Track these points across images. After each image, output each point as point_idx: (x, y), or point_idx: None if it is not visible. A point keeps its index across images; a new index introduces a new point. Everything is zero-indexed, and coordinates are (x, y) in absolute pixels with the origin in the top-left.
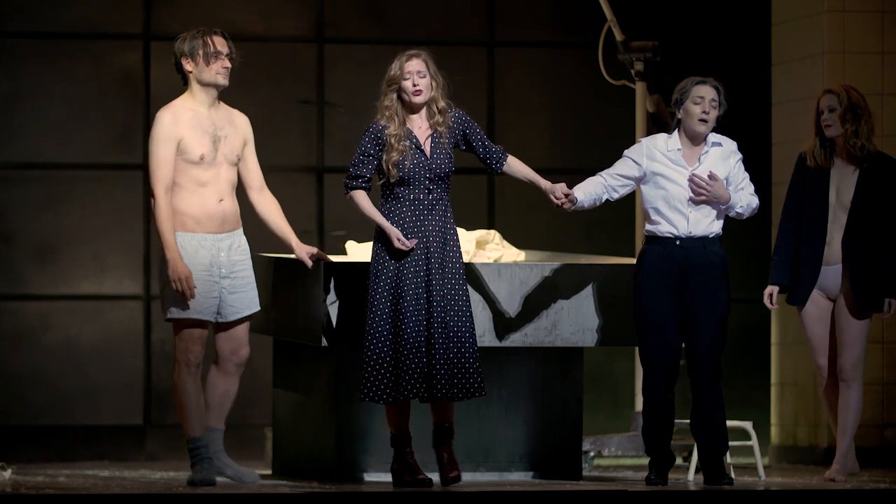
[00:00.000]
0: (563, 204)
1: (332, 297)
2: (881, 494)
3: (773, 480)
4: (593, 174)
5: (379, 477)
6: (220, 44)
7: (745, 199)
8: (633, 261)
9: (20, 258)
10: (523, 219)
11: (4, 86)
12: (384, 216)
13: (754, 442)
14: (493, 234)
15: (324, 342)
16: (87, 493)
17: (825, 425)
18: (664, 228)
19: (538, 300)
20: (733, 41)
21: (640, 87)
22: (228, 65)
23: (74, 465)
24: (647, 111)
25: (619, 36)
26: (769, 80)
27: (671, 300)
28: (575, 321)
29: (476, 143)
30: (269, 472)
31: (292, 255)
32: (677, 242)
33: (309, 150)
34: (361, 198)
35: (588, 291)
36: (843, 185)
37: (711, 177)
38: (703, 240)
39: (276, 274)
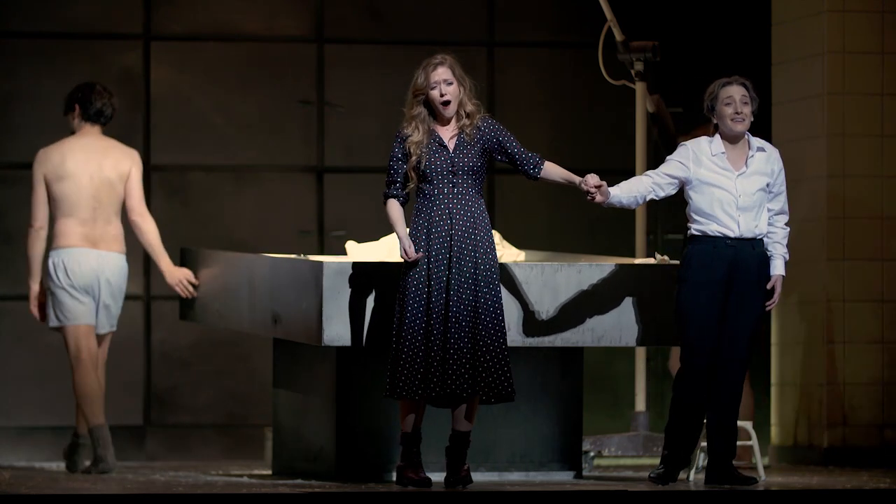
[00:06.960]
0: (594, 197)
1: (332, 297)
2: (881, 494)
3: (773, 480)
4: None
5: (379, 476)
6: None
7: (784, 242)
8: (633, 260)
9: (20, 258)
10: (523, 219)
11: (4, 86)
12: (416, 214)
13: (754, 442)
14: (494, 234)
15: (324, 342)
16: (87, 493)
17: (825, 425)
18: (715, 229)
19: (538, 300)
20: (733, 41)
21: (640, 87)
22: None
23: None
24: (647, 111)
25: (619, 36)
26: (769, 80)
27: (716, 301)
28: (575, 321)
29: (513, 150)
30: (269, 472)
31: (293, 255)
32: (728, 241)
33: (309, 150)
34: (390, 207)
35: (588, 292)
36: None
37: (773, 289)
38: (753, 241)
39: (276, 274)
